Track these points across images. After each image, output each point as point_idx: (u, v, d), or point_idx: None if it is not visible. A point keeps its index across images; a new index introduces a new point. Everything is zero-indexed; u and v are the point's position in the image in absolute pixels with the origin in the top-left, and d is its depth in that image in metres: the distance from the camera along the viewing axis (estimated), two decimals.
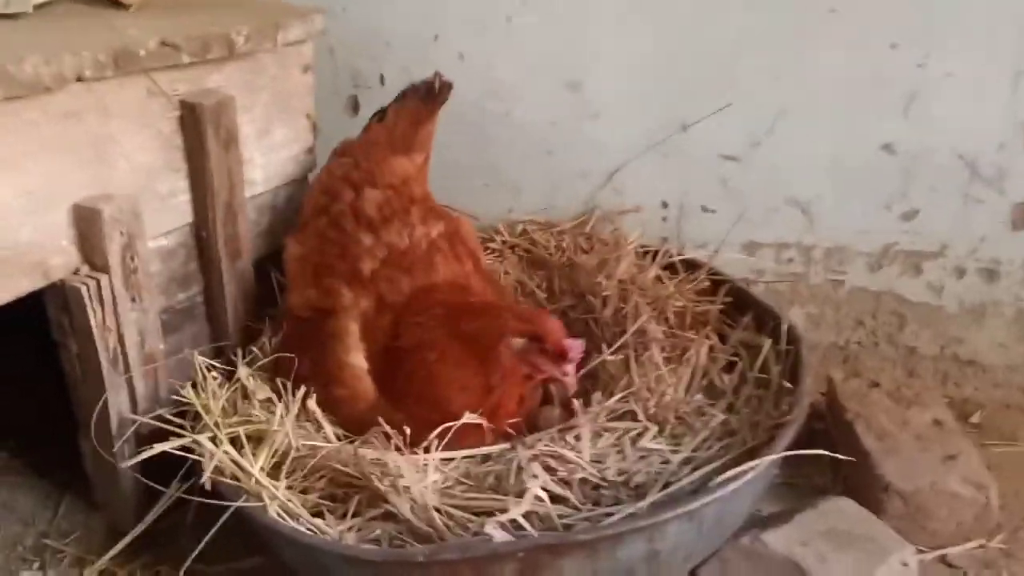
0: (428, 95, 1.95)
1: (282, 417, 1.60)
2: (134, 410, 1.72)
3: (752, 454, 1.58)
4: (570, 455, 1.59)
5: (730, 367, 1.86)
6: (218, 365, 1.81)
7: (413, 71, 2.32)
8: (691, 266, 2.14)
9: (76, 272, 1.60)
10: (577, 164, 2.32)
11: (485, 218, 2.40)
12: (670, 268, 2.15)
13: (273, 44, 1.85)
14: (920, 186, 2.13)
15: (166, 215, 1.76)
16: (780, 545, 1.59)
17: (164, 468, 1.64)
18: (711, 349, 1.87)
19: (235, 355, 1.88)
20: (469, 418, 1.57)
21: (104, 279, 1.60)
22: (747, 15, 2.06)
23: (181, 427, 1.64)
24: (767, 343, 1.80)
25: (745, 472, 1.44)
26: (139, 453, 1.59)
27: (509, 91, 2.29)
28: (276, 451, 1.57)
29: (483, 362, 1.61)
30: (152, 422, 1.66)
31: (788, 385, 1.68)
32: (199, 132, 1.72)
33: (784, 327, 1.81)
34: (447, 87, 1.96)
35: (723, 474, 1.45)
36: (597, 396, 1.78)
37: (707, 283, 2.06)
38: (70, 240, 1.58)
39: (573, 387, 1.67)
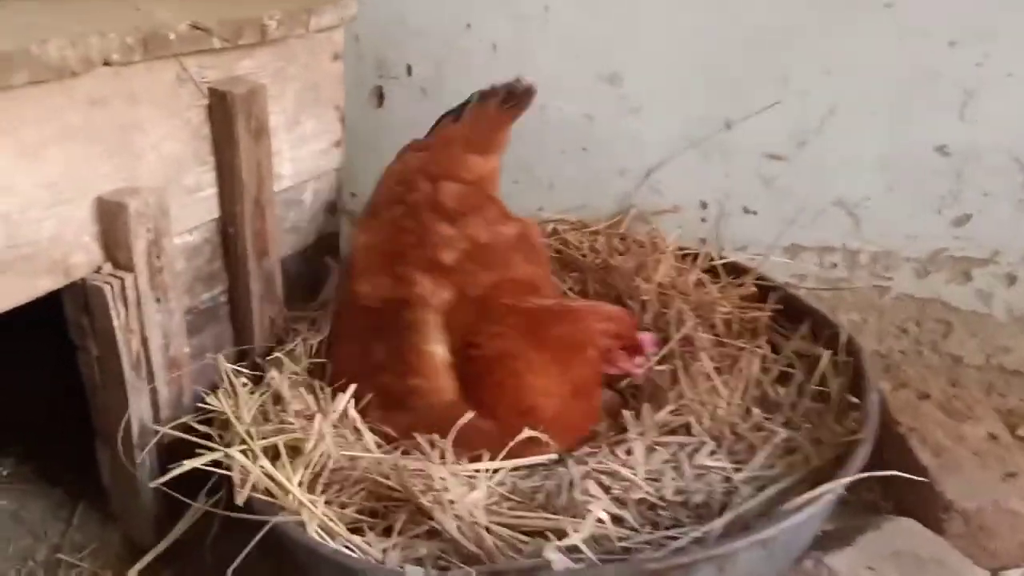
0: (509, 99, 1.86)
1: (320, 427, 1.50)
2: (156, 418, 1.62)
3: (818, 474, 1.49)
4: (625, 472, 1.50)
5: (782, 379, 1.78)
6: (244, 370, 1.71)
7: (442, 62, 2.23)
8: (734, 270, 2.05)
9: (98, 270, 1.49)
10: (613, 161, 2.23)
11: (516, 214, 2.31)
12: (711, 272, 2.06)
13: (305, 29, 1.75)
14: (973, 190, 2.04)
15: (192, 210, 1.66)
16: (845, 570, 1.50)
17: (187, 478, 1.53)
18: (763, 359, 1.78)
19: (260, 358, 1.79)
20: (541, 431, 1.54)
21: (128, 278, 1.49)
22: (798, 8, 1.97)
23: (208, 437, 1.54)
24: (825, 354, 1.70)
25: (821, 495, 1.35)
26: (165, 467, 1.48)
27: (544, 84, 2.15)
28: (312, 463, 1.47)
29: (570, 368, 1.58)
30: (175, 433, 1.55)
31: (853, 400, 1.58)
32: (229, 122, 1.62)
33: (843, 337, 1.71)
34: (530, 93, 1.87)
35: (796, 498, 1.35)
36: (646, 408, 1.69)
37: (753, 288, 1.97)
38: (93, 236, 1.47)
39: (641, 379, 1.72)
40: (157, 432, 1.58)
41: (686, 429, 1.65)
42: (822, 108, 2.05)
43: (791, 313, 1.87)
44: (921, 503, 1.75)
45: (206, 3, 1.68)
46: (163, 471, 1.52)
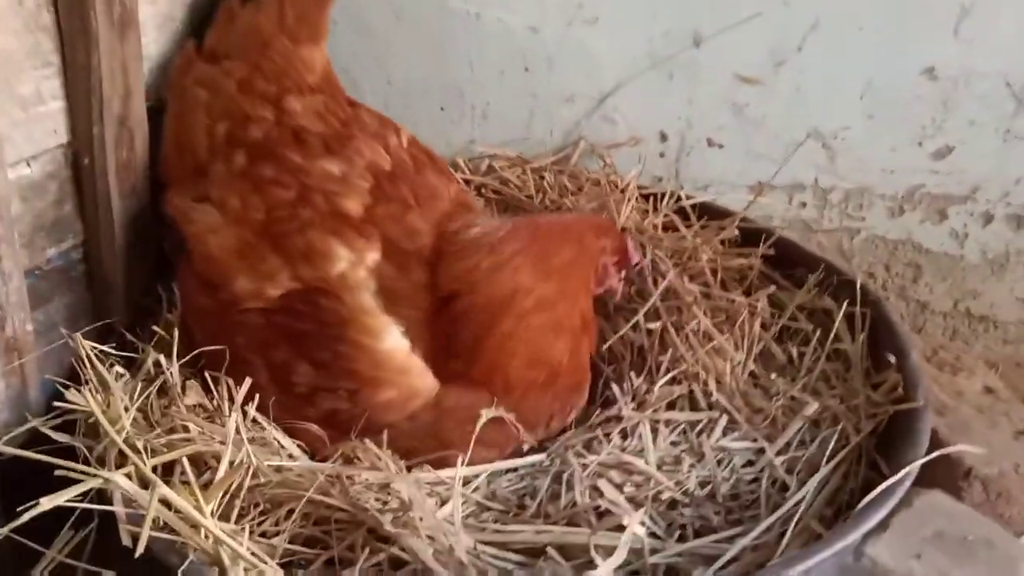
0: None
1: (234, 428, 1.09)
2: None
3: (860, 450, 1.25)
4: (639, 464, 1.19)
5: (783, 336, 1.52)
6: (113, 351, 1.27)
7: None
8: (705, 212, 1.77)
9: None
10: (561, 84, 1.88)
11: (442, 151, 1.92)
12: (679, 214, 1.77)
13: None
14: (959, 119, 1.85)
15: (29, 131, 1.19)
16: (891, 561, 1.27)
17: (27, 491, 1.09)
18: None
19: (131, 334, 1.34)
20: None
21: None
22: None
23: (70, 451, 1.10)
24: (841, 307, 1.45)
25: (898, 484, 1.09)
26: (8, 493, 1.03)
27: None
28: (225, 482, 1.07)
29: (577, 298, 1.29)
30: (17, 451, 1.09)
31: (887, 359, 1.34)
32: (82, 7, 1.16)
33: (857, 285, 1.47)
34: None
35: (870, 493, 1.09)
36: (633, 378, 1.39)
37: (735, 232, 1.69)
38: None
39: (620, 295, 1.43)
40: None
41: (689, 401, 1.36)
42: (804, 22, 1.78)
43: (785, 259, 1.61)
44: (935, 469, 1.54)
45: None
46: (4, 497, 1.07)
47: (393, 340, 1.18)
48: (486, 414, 1.15)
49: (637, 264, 1.41)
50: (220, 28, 1.38)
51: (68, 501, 0.96)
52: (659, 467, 1.23)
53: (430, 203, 1.28)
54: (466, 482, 1.20)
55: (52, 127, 1.21)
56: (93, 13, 1.15)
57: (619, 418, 1.32)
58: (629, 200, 1.75)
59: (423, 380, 1.20)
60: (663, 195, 1.79)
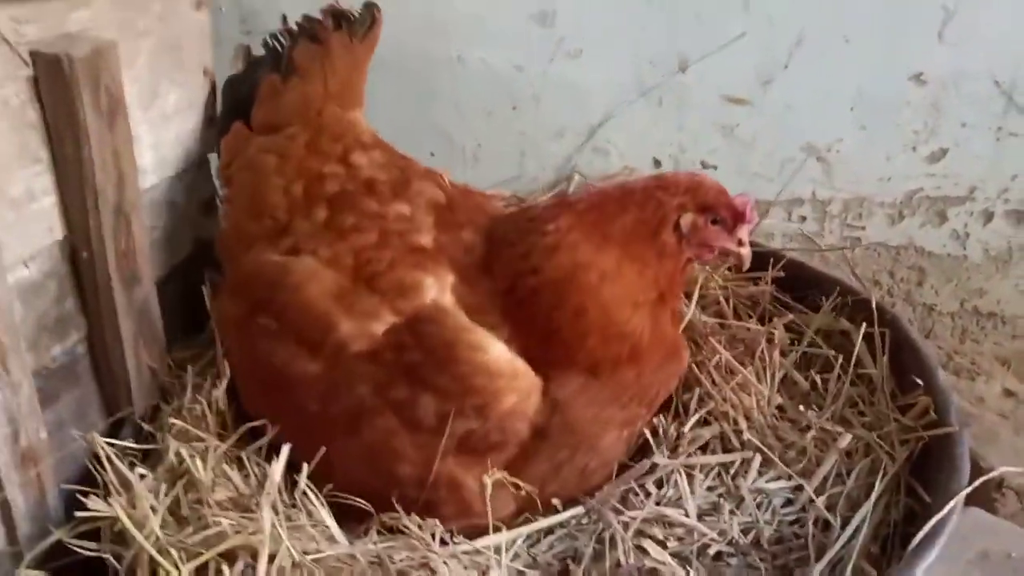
0: (349, 24, 1.47)
1: (269, 520, 1.05)
2: (12, 541, 1.12)
3: (898, 480, 1.23)
4: (680, 516, 1.17)
5: (803, 362, 1.50)
6: (130, 447, 1.23)
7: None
8: None
9: None
10: (550, 119, 1.86)
11: None
12: None
13: None
14: (950, 122, 1.85)
15: (24, 231, 1.14)
16: None
17: None
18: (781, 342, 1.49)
19: (146, 424, 1.31)
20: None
21: None
22: None
23: (97, 563, 1.06)
24: (859, 329, 1.43)
25: (947, 517, 1.07)
26: None
27: (460, 27, 1.78)
28: None
29: (648, 264, 1.21)
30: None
31: (913, 380, 1.32)
32: (68, 100, 1.12)
33: (873, 305, 1.45)
34: (372, 11, 1.49)
35: (921, 529, 1.07)
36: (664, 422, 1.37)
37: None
38: None
39: (748, 259, 1.29)
40: (18, 563, 1.08)
41: (721, 440, 1.34)
42: (789, 38, 1.77)
43: (795, 282, 1.59)
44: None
45: None
46: None
47: (496, 348, 1.17)
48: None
49: (753, 213, 1.26)
50: (268, 103, 1.46)
51: None
52: (699, 516, 1.21)
53: (477, 218, 1.33)
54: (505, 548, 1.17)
55: (47, 224, 1.17)
56: (80, 104, 1.11)
57: (653, 466, 1.29)
58: None
59: (531, 378, 1.18)
60: None
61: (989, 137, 1.86)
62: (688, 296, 1.57)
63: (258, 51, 1.78)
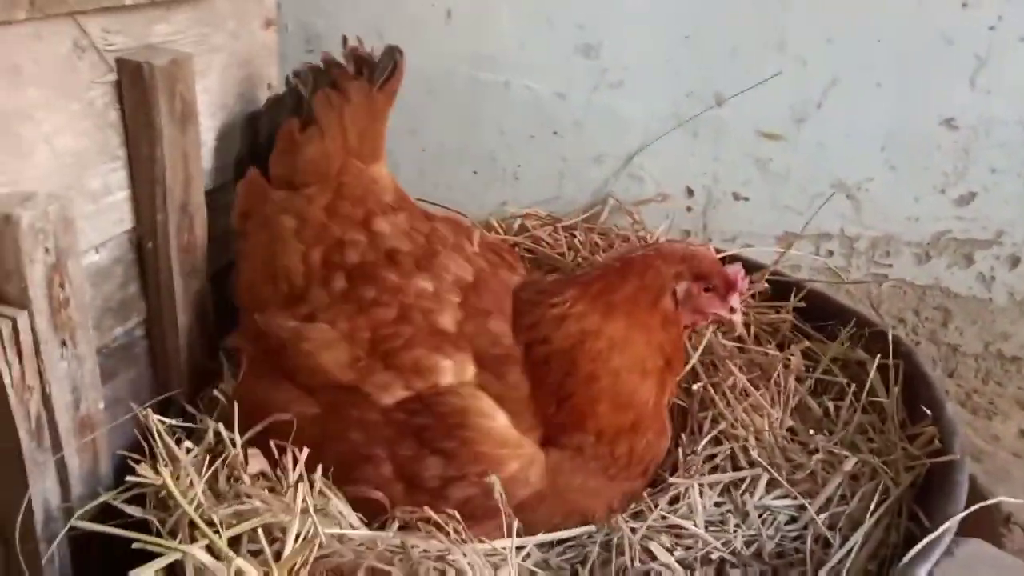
0: (371, 71, 1.42)
1: (300, 498, 1.14)
2: (66, 498, 1.22)
3: (900, 504, 1.28)
4: (688, 526, 1.23)
5: (817, 389, 1.55)
6: (178, 424, 1.33)
7: (385, 32, 1.88)
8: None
9: None
10: (589, 145, 1.95)
11: (476, 213, 2.00)
12: None
13: None
14: (980, 167, 1.89)
15: (99, 221, 1.27)
16: None
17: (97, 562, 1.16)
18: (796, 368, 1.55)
19: (191, 405, 1.41)
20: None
21: (21, 317, 1.10)
22: None
23: (142, 524, 1.16)
24: (872, 360, 1.48)
25: (940, 539, 1.12)
26: (80, 564, 1.09)
27: (508, 56, 1.88)
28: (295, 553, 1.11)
29: (654, 329, 1.27)
30: (89, 526, 1.15)
31: (922, 411, 1.37)
32: (146, 104, 1.24)
33: (890, 337, 1.50)
34: (393, 54, 1.43)
35: (913, 547, 1.12)
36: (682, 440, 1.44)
37: (765, 285, 1.73)
38: None
39: (740, 326, 1.37)
40: (68, 518, 1.18)
41: (731, 459, 1.40)
42: (823, 79, 1.83)
43: (815, 312, 1.65)
44: (973, 517, 1.57)
45: None
46: (77, 570, 1.13)
47: (502, 417, 1.23)
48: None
49: (743, 283, 1.34)
50: (286, 155, 1.41)
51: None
52: (706, 528, 1.26)
53: (505, 302, 1.32)
54: (519, 549, 1.23)
55: (119, 216, 1.29)
56: (156, 109, 1.23)
57: (667, 484, 1.35)
58: None
59: (532, 447, 1.23)
60: None
61: (1019, 183, 1.89)
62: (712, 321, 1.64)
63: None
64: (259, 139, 1.46)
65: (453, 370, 1.24)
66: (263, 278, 1.36)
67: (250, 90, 1.54)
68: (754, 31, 1.80)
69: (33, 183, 1.13)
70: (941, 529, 1.13)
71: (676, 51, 1.84)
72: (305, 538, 1.10)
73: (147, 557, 1.08)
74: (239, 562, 1.01)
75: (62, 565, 1.22)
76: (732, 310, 1.32)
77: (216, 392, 1.40)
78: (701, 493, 1.32)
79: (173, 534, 1.14)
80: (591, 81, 1.88)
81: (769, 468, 1.34)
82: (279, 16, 1.90)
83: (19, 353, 1.10)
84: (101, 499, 1.21)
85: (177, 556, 1.04)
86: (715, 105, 1.88)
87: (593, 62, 1.87)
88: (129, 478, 1.20)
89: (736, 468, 1.38)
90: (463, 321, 1.28)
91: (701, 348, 1.55)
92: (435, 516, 1.19)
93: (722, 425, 1.43)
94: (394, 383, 1.23)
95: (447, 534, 1.19)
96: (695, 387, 1.50)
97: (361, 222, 1.36)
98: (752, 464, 1.37)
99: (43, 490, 1.18)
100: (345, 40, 1.87)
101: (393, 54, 1.42)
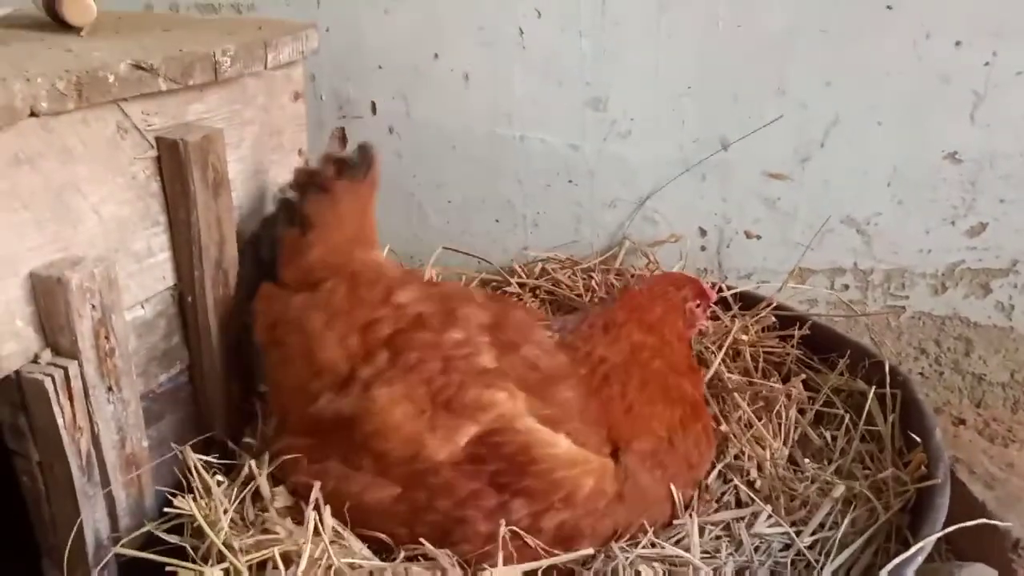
0: (357, 170, 1.52)
1: (317, 530, 1.26)
2: (114, 528, 1.36)
3: (890, 527, 1.32)
4: (680, 553, 1.30)
5: (820, 419, 1.61)
6: (215, 461, 1.47)
7: (410, 96, 2.05)
8: (743, 300, 1.89)
9: (35, 360, 1.25)
10: (603, 192, 2.06)
11: (499, 258, 2.12)
12: (720, 304, 1.89)
13: (263, 66, 1.53)
14: (987, 197, 1.93)
15: (143, 279, 1.42)
16: None
17: None
18: (799, 399, 1.61)
19: (231, 444, 1.54)
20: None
21: (72, 366, 1.25)
22: (793, 14, 1.83)
23: (179, 550, 1.29)
24: (871, 389, 1.54)
25: (912, 557, 1.17)
26: None
27: (522, 113, 2.01)
28: None
29: (674, 341, 1.50)
30: (134, 553, 1.29)
31: (915, 438, 1.42)
32: (182, 175, 1.39)
33: (886, 368, 1.55)
34: (367, 149, 1.54)
35: (886, 565, 1.17)
36: None
37: (772, 319, 1.80)
38: (26, 320, 1.23)
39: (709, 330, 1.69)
40: (115, 546, 1.33)
41: (736, 493, 1.46)
42: (824, 120, 1.91)
43: (820, 344, 1.71)
44: (982, 543, 1.59)
45: (147, 40, 1.46)
46: None
47: (563, 440, 1.32)
48: None
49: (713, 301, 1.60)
50: (294, 261, 1.51)
51: None
52: (703, 556, 1.33)
53: (526, 332, 1.45)
54: None
55: (161, 274, 1.45)
56: (191, 179, 1.39)
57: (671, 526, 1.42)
58: None
59: (598, 459, 1.34)
60: None
61: None
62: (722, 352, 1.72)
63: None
64: (262, 256, 1.55)
65: (508, 400, 1.34)
66: (309, 375, 1.43)
67: (282, 157, 1.69)
68: (753, 78, 1.89)
69: (83, 247, 1.29)
70: (912, 550, 1.17)
71: (679, 101, 1.94)
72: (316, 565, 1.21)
73: None
74: None
75: None
76: (708, 318, 1.61)
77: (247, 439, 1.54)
78: (703, 532, 1.38)
79: (206, 559, 1.27)
80: (601, 132, 2.00)
81: (764, 503, 1.40)
82: (314, 86, 2.08)
83: (71, 398, 1.25)
84: (144, 528, 1.35)
85: None
86: (721, 149, 1.97)
87: (602, 114, 1.98)
88: (167, 509, 1.34)
89: (739, 502, 1.44)
90: (498, 357, 1.39)
91: (707, 376, 1.62)
92: (442, 551, 1.28)
93: (727, 459, 1.50)
94: (461, 425, 1.32)
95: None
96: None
97: (382, 300, 1.46)
98: (754, 496, 1.43)
99: (93, 520, 1.33)
100: (373, 105, 2.05)
101: (366, 149, 1.54)
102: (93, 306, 1.25)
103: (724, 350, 1.71)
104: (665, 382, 1.44)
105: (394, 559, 1.31)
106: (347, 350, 1.41)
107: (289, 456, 1.39)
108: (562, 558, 1.32)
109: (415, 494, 1.31)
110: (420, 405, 1.33)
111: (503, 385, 1.35)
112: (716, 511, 1.42)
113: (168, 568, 1.20)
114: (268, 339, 1.50)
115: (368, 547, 1.35)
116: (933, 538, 1.21)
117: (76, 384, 1.26)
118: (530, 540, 1.28)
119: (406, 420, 1.32)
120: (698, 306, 1.53)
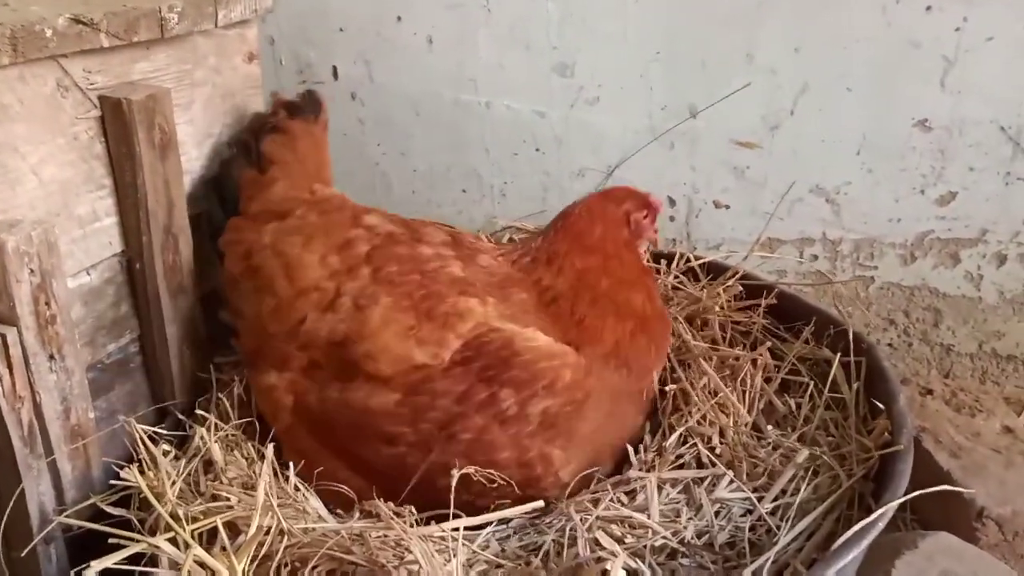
0: (306, 109, 1.59)
1: (264, 496, 1.23)
2: (60, 501, 1.32)
3: (850, 494, 1.30)
4: (639, 516, 1.28)
5: (785, 387, 1.59)
6: (165, 432, 1.43)
7: (373, 61, 2.00)
8: (712, 270, 1.85)
9: None
10: (570, 160, 2.02)
11: (466, 228, 2.07)
12: (688, 274, 1.86)
13: (213, 23, 1.48)
14: (957, 166, 1.91)
15: (88, 244, 1.37)
16: None
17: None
18: (764, 367, 1.58)
19: (184, 416, 1.50)
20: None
21: (11, 333, 1.20)
22: None
23: (126, 522, 1.25)
24: (836, 357, 1.51)
25: (871, 525, 1.15)
26: (75, 562, 1.18)
27: (488, 79, 1.97)
28: (258, 545, 1.19)
29: (621, 255, 1.50)
30: (80, 522, 1.25)
31: (879, 405, 1.40)
32: (127, 136, 1.34)
33: (851, 335, 1.53)
34: (314, 95, 1.62)
35: (845, 531, 1.15)
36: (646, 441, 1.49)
37: (740, 288, 1.77)
38: None
39: (658, 240, 1.64)
40: (60, 520, 1.28)
41: (697, 457, 1.44)
42: (794, 88, 1.88)
43: (786, 312, 1.68)
44: (947, 511, 1.58)
45: None
46: (73, 564, 1.22)
47: (543, 337, 1.37)
48: None
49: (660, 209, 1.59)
50: (259, 195, 1.55)
51: (117, 564, 1.10)
52: (662, 519, 1.31)
53: (478, 244, 1.56)
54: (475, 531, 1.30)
55: (107, 240, 1.40)
56: (136, 139, 1.34)
57: (628, 480, 1.40)
58: None
59: (575, 354, 1.38)
60: (672, 256, 1.88)
61: (998, 181, 1.91)
62: (690, 322, 1.70)
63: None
64: (225, 196, 1.57)
65: (481, 306, 1.39)
66: (291, 297, 1.44)
67: (236, 120, 1.64)
68: (722, 45, 1.86)
69: (22, 210, 1.24)
70: (873, 516, 1.16)
71: (648, 67, 1.90)
72: (268, 531, 1.18)
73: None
74: (198, 551, 1.09)
75: (57, 563, 1.31)
76: (655, 230, 1.59)
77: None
78: (660, 488, 1.36)
79: (152, 531, 1.23)
80: (568, 98, 1.96)
81: (727, 467, 1.38)
82: (273, 50, 2.03)
83: (9, 365, 1.20)
84: (90, 501, 1.31)
85: (141, 547, 1.12)
86: (689, 117, 1.94)
87: (569, 80, 1.94)
88: (113, 481, 1.30)
89: (700, 464, 1.42)
90: (464, 267, 1.46)
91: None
92: (393, 508, 1.29)
93: (691, 423, 1.48)
94: (445, 334, 1.36)
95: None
96: (667, 388, 1.54)
97: (353, 223, 1.51)
98: (715, 461, 1.41)
99: (37, 492, 1.29)
100: (335, 69, 2.00)
101: (312, 92, 1.62)
102: (31, 270, 1.20)
103: (692, 321, 1.68)
104: (615, 299, 1.46)
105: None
106: (329, 268, 1.45)
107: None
108: (516, 510, 1.33)
109: (414, 398, 1.35)
110: (407, 322, 1.37)
111: (474, 291, 1.42)
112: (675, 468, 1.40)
113: (111, 540, 1.16)
114: (243, 268, 1.50)
115: (328, 506, 1.34)
116: (895, 504, 1.19)
117: (15, 351, 1.21)
118: (513, 429, 1.33)
119: (396, 341, 1.36)
120: (645, 217, 1.54)
